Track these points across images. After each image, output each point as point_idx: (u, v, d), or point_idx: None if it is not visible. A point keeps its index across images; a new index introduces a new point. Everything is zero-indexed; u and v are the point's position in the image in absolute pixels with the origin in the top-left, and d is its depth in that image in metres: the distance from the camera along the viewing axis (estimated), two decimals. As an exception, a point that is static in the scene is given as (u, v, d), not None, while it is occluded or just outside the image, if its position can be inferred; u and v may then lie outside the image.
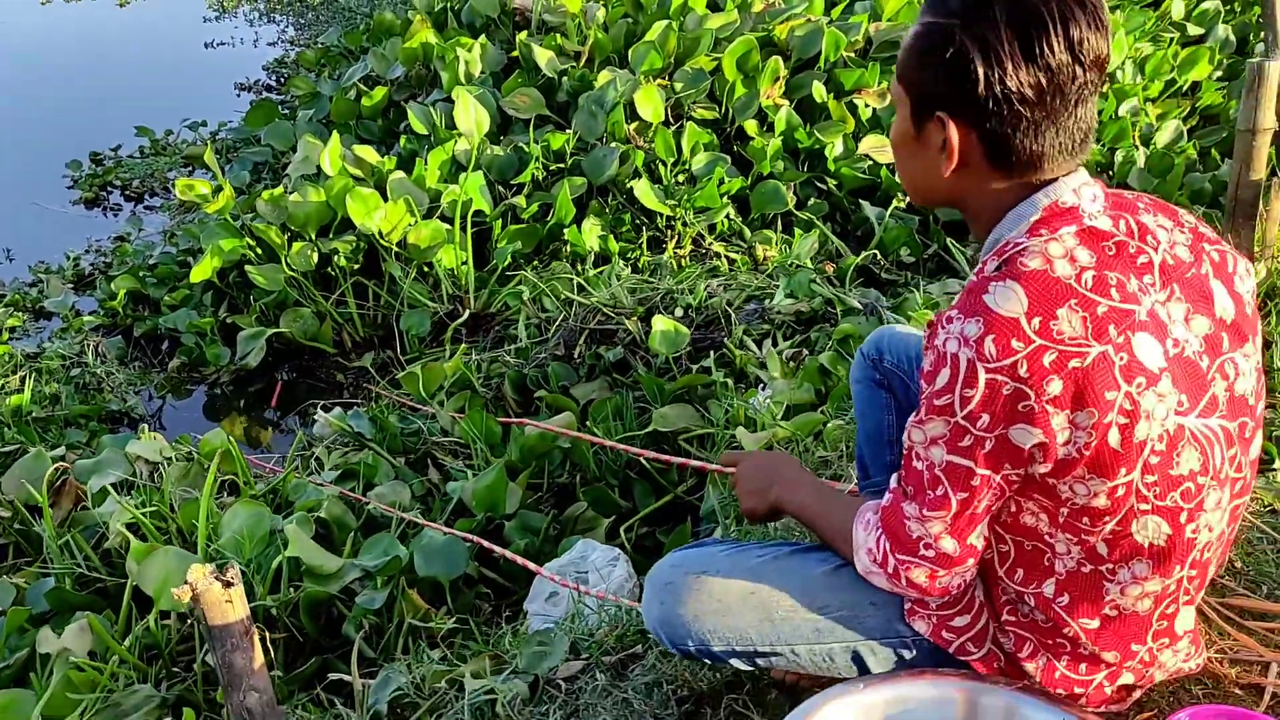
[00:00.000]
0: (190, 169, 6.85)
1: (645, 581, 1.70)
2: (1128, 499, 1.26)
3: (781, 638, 1.57)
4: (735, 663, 1.62)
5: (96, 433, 3.87)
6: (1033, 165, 1.28)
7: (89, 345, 4.54)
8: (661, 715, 1.75)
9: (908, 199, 4.82)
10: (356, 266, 4.60)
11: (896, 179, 4.90)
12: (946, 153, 1.30)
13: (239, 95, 8.61)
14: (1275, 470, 2.32)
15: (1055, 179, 1.29)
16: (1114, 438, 1.22)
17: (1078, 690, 1.44)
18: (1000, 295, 1.22)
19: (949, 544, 1.32)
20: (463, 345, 4.17)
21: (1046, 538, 1.34)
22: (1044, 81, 1.22)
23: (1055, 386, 1.20)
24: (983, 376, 1.21)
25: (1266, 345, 2.84)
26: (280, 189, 4.68)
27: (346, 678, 2.20)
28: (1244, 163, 3.03)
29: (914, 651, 1.53)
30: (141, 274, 4.95)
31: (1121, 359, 1.21)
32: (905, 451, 1.34)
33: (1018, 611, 1.44)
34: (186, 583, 1.74)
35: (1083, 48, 1.21)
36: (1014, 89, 1.22)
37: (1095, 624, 1.36)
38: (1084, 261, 1.24)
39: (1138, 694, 1.52)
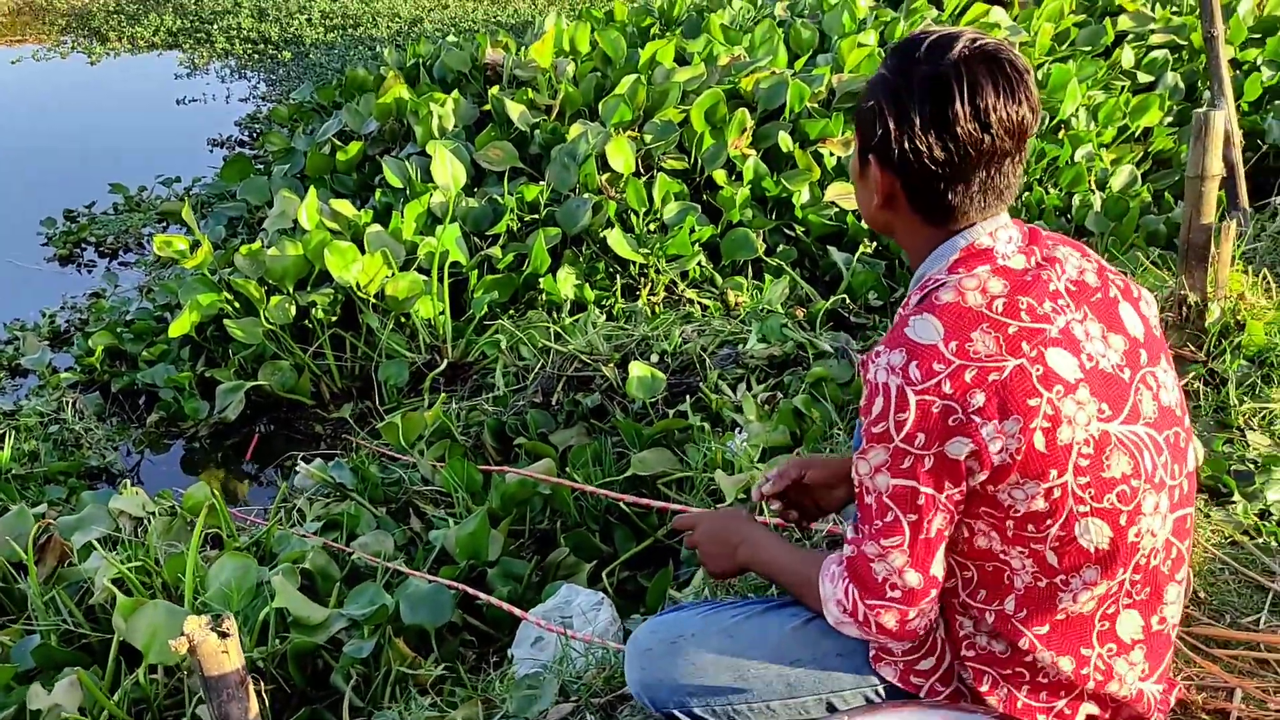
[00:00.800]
0: (165, 225, 6.88)
1: (626, 648, 1.77)
2: (1065, 501, 1.35)
3: (756, 694, 1.64)
4: None
5: (76, 489, 3.88)
6: (949, 215, 1.40)
7: (66, 402, 4.55)
8: (651, 753, 1.79)
9: (874, 244, 4.95)
10: (334, 318, 4.65)
11: (862, 225, 5.02)
12: (878, 191, 1.43)
13: (212, 151, 8.67)
14: (1235, 503, 2.42)
15: (974, 224, 1.40)
16: (1039, 441, 1.31)
17: (1041, 719, 1.50)
18: (919, 327, 1.34)
19: (913, 577, 1.39)
20: (441, 394, 4.21)
21: (1002, 556, 1.42)
22: (951, 145, 1.33)
23: (979, 398, 1.30)
24: (913, 399, 1.31)
25: (1223, 382, 2.95)
26: (258, 243, 4.74)
27: (338, 726, 2.23)
28: (1194, 207, 3.15)
29: (884, 699, 1.59)
30: (118, 330, 4.97)
31: (1037, 370, 1.31)
32: (856, 490, 1.42)
33: (975, 645, 1.50)
34: (183, 634, 1.78)
35: (990, 117, 1.31)
36: (922, 149, 1.34)
37: (1045, 629, 1.43)
38: (995, 291, 1.35)
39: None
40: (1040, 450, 1.32)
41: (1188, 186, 3.18)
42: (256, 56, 12.00)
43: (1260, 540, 2.30)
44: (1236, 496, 2.41)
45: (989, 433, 1.31)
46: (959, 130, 1.32)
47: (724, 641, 1.66)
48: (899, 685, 1.55)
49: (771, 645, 1.63)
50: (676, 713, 1.70)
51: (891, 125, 1.35)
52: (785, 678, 1.62)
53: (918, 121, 1.33)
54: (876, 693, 1.59)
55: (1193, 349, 3.10)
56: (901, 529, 1.38)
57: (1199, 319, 3.17)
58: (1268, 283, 3.48)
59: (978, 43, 1.33)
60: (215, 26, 13.15)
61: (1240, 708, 1.75)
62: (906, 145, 1.35)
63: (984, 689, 1.51)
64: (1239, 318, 3.15)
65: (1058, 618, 1.43)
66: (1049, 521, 1.36)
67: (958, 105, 1.31)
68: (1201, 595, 2.09)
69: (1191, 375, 2.97)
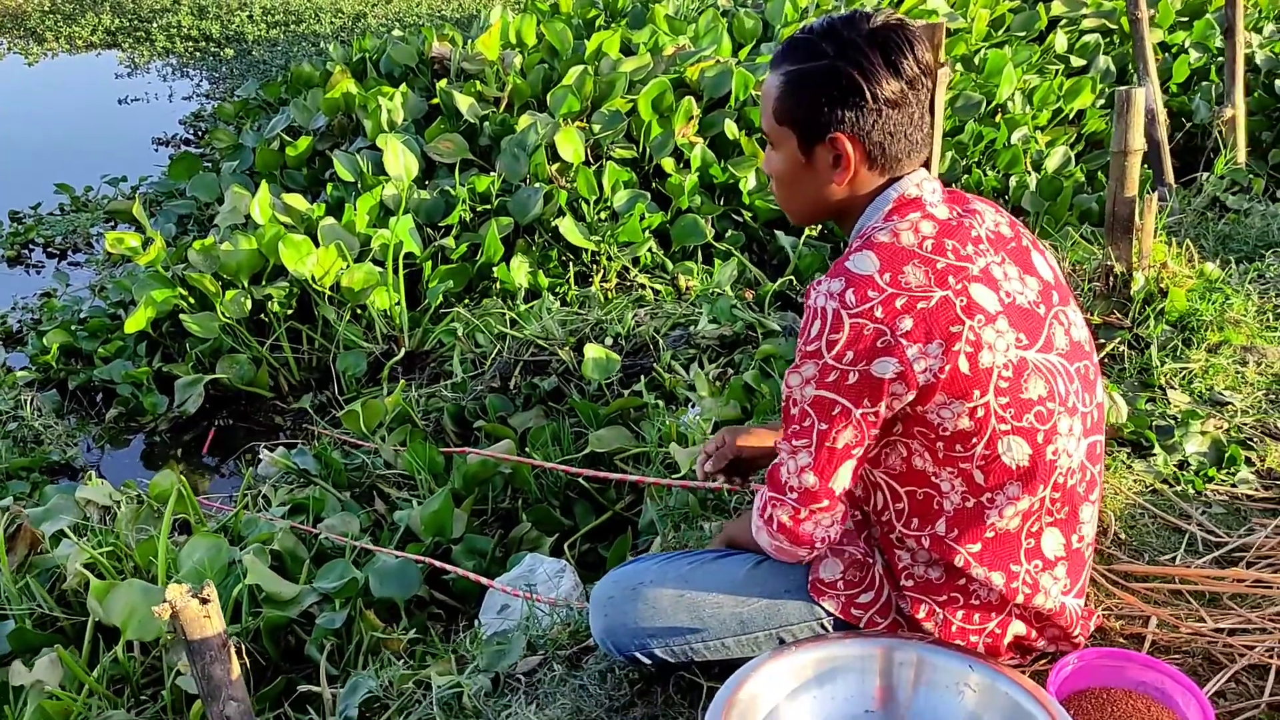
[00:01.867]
0: (113, 224, 6.86)
1: (590, 600, 1.90)
2: (988, 420, 1.51)
3: (712, 632, 1.78)
4: (674, 660, 1.82)
5: (38, 484, 3.91)
6: (897, 160, 1.57)
7: (24, 400, 4.56)
8: (615, 696, 1.91)
9: (820, 228, 5.09)
10: (290, 311, 4.70)
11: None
12: (841, 166, 1.57)
13: (157, 150, 8.64)
14: (1156, 455, 2.58)
15: (903, 176, 1.58)
16: (964, 364, 1.47)
17: (973, 639, 1.65)
18: (858, 260, 1.50)
19: (811, 479, 1.54)
20: (401, 382, 4.29)
21: (933, 479, 1.57)
22: (905, 89, 1.52)
23: (906, 323, 1.46)
24: (847, 322, 1.47)
25: (1146, 345, 3.12)
26: (211, 239, 4.77)
27: (315, 689, 2.32)
28: (1119, 181, 3.32)
29: (830, 631, 1.73)
30: (73, 328, 4.98)
31: (961, 301, 1.48)
32: (784, 402, 1.56)
33: (913, 575, 1.66)
34: (166, 601, 1.86)
35: (924, 60, 1.53)
36: (890, 97, 1.52)
37: (978, 547, 1.59)
38: (926, 232, 1.53)
39: (1034, 654, 1.74)
40: (965, 373, 1.48)
41: (1112, 161, 3.35)
42: (198, 54, 11.93)
43: (1179, 489, 2.45)
44: (1157, 449, 2.57)
45: (914, 354, 1.46)
46: (909, 72, 1.52)
47: (681, 585, 1.79)
48: (841, 617, 1.69)
49: (725, 586, 1.76)
50: (638, 655, 1.82)
51: (865, 87, 1.51)
52: (738, 615, 1.74)
53: (881, 72, 1.51)
54: (823, 626, 1.72)
55: (1119, 315, 3.27)
56: (812, 433, 1.52)
57: (1125, 287, 3.34)
58: (1190, 253, 3.66)
59: (873, 14, 1.54)
60: (155, 25, 13.04)
61: (1155, 632, 1.90)
62: (881, 99, 1.52)
63: (920, 616, 1.65)
64: (1162, 285, 3.32)
65: (987, 535, 1.58)
66: (974, 440, 1.52)
67: (904, 50, 1.52)
68: (1123, 537, 2.24)
69: (1117, 340, 3.14)
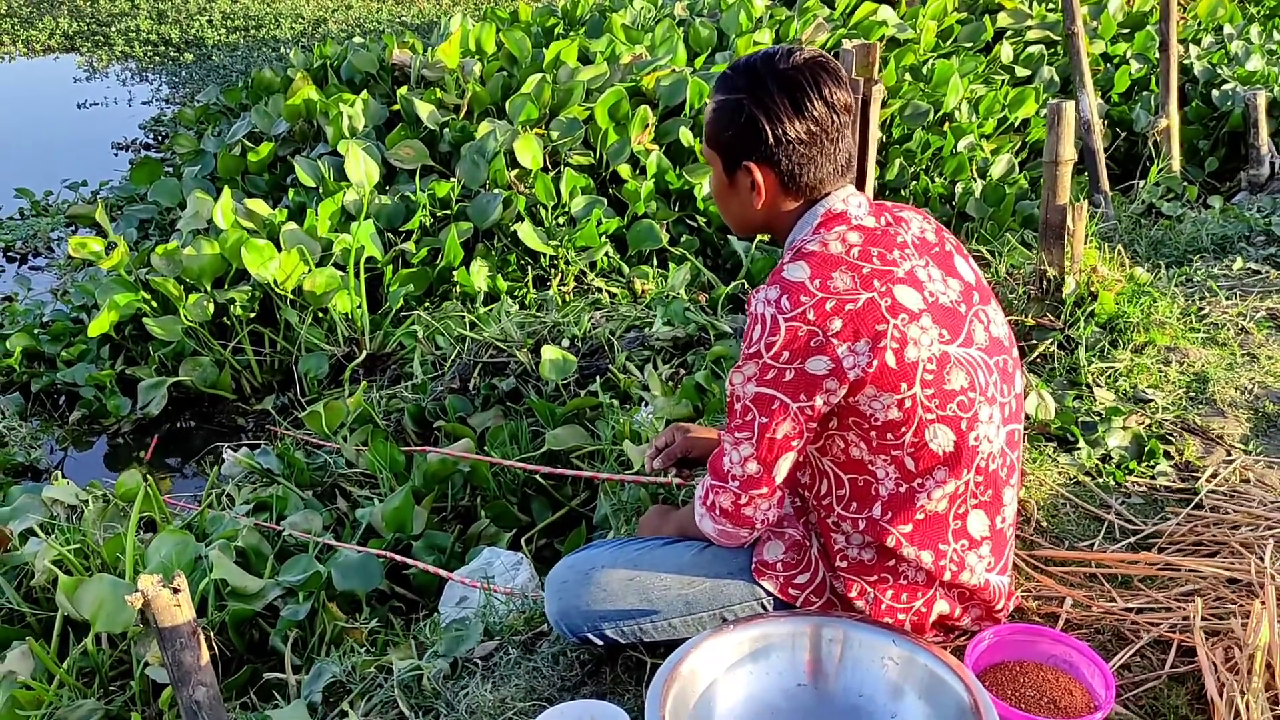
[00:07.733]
0: (74, 228, 6.88)
1: (545, 584, 2.02)
2: (915, 410, 1.64)
3: (659, 614, 1.91)
4: (624, 641, 1.94)
5: (3, 485, 3.95)
6: (815, 187, 1.72)
7: (-14, 403, 4.60)
8: (567, 676, 2.03)
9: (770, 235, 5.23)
10: (253, 315, 4.78)
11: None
12: (755, 191, 1.73)
13: (116, 154, 8.65)
14: (1080, 449, 2.73)
15: (829, 193, 1.72)
16: (890, 360, 1.61)
17: (901, 617, 1.79)
18: (791, 269, 1.65)
19: (753, 466, 1.68)
20: (362, 384, 4.38)
21: (869, 466, 1.71)
22: (812, 128, 1.67)
23: (836, 324, 1.60)
24: (782, 325, 1.60)
25: (1076, 345, 3.28)
26: (174, 243, 4.83)
27: (280, 677, 2.42)
28: (1051, 190, 3.48)
29: (769, 610, 1.86)
30: (35, 331, 5.02)
31: (886, 302, 1.62)
32: (729, 397, 1.70)
33: (847, 557, 1.79)
34: (138, 590, 1.96)
35: (834, 100, 1.67)
36: (793, 136, 1.67)
37: (909, 528, 1.73)
38: (853, 241, 1.67)
39: (957, 632, 1.88)
40: (892, 367, 1.61)
41: (1045, 171, 3.51)
42: (158, 59, 11.90)
43: (1100, 480, 2.61)
44: (1081, 444, 2.73)
45: (843, 352, 1.60)
46: (816, 112, 1.66)
47: (631, 569, 1.91)
48: (780, 597, 1.82)
49: (672, 569, 1.89)
50: (590, 636, 1.94)
51: (765, 125, 1.67)
52: (684, 597, 1.87)
53: (784, 114, 1.66)
54: (763, 605, 1.85)
55: (1051, 318, 3.43)
56: (754, 426, 1.66)
57: (1057, 291, 3.50)
58: (1122, 258, 3.83)
59: (796, 52, 1.67)
60: (113, 29, 13.00)
61: (1069, 611, 2.05)
62: (782, 137, 1.67)
63: (853, 595, 1.79)
64: (1092, 289, 3.48)
65: (918, 517, 1.72)
66: (904, 429, 1.66)
67: (810, 94, 1.66)
68: (1045, 525, 2.39)
69: (1049, 341, 3.30)
